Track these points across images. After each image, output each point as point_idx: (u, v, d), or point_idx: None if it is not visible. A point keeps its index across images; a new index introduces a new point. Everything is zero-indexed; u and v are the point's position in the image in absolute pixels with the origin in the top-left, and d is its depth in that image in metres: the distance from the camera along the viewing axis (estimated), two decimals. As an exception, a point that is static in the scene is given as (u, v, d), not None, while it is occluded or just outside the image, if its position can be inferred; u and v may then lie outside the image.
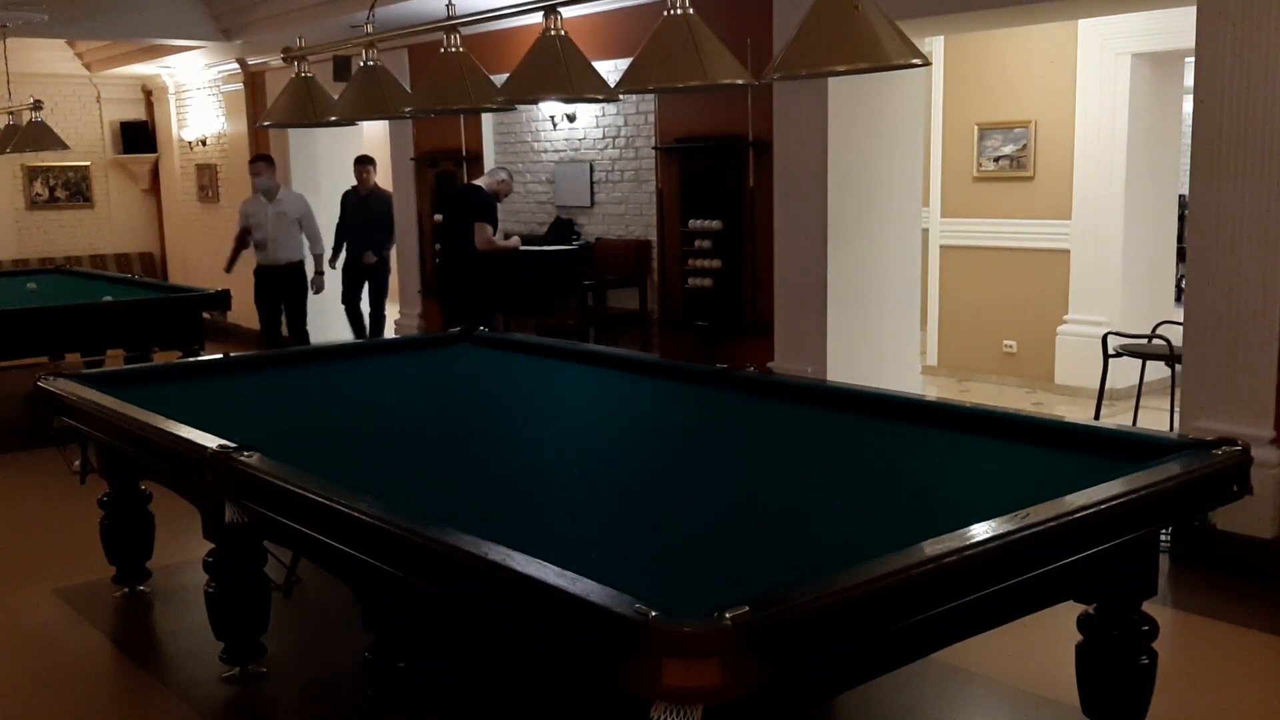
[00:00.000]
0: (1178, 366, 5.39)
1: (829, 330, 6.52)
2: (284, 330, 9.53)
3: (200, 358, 6.38)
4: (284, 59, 4.88)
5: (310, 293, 9.43)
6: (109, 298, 7.85)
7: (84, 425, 4.19)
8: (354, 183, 9.77)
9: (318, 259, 9.41)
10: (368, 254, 9.59)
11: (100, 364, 7.71)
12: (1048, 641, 3.63)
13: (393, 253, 10.07)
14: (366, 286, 9.78)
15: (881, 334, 6.77)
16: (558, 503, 3.04)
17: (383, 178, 11.51)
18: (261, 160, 9.37)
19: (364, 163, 9.72)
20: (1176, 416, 5.30)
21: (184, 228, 13.42)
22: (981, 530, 2.41)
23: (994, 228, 8.57)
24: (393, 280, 10.53)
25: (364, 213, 9.65)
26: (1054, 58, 8.05)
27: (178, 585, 4.66)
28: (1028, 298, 8.44)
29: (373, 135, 12.20)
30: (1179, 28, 6.91)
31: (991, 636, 2.78)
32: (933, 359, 9.01)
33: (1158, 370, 6.69)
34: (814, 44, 2.85)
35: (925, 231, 7.82)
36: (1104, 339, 6.50)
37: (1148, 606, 3.13)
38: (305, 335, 9.44)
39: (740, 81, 3.31)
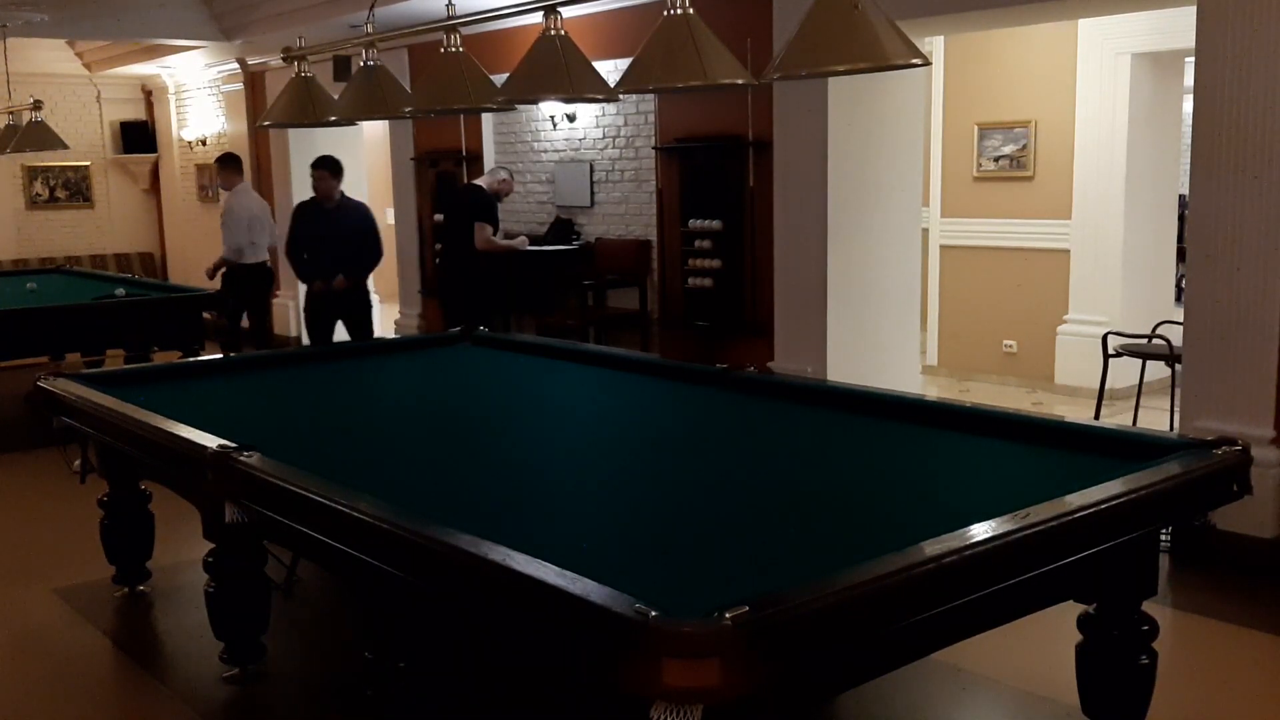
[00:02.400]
0: (1178, 366, 5.39)
1: (829, 330, 6.52)
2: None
3: (200, 358, 6.38)
4: (284, 59, 4.88)
5: (271, 294, 8.61)
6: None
7: (84, 425, 4.19)
8: (337, 191, 7.86)
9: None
10: (338, 278, 7.68)
11: (100, 364, 7.71)
12: (1048, 641, 3.62)
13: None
14: (341, 327, 7.92)
15: (881, 334, 6.77)
16: (557, 503, 3.04)
17: (383, 178, 11.50)
18: (217, 161, 8.98)
19: (325, 167, 7.78)
20: (1176, 416, 5.30)
21: (184, 228, 13.42)
22: (981, 530, 2.41)
23: (994, 228, 8.57)
24: (392, 280, 10.50)
25: (335, 229, 7.78)
26: (1053, 58, 8.06)
27: (178, 585, 4.66)
28: (1028, 298, 8.44)
29: (373, 135, 12.20)
30: (1179, 28, 6.91)
31: (991, 636, 2.78)
32: (933, 359, 9.01)
33: (1158, 370, 6.70)
34: (814, 44, 2.85)
35: (925, 231, 7.82)
36: (1104, 339, 6.50)
37: (1148, 606, 3.13)
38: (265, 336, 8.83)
39: (740, 81, 3.32)
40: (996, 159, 8.46)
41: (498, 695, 2.73)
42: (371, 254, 7.89)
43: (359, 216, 7.93)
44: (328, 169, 7.77)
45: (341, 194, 7.85)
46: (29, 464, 6.64)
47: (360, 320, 7.94)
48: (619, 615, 1.97)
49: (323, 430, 3.97)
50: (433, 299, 9.50)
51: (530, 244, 8.59)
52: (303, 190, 10.48)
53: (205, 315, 7.92)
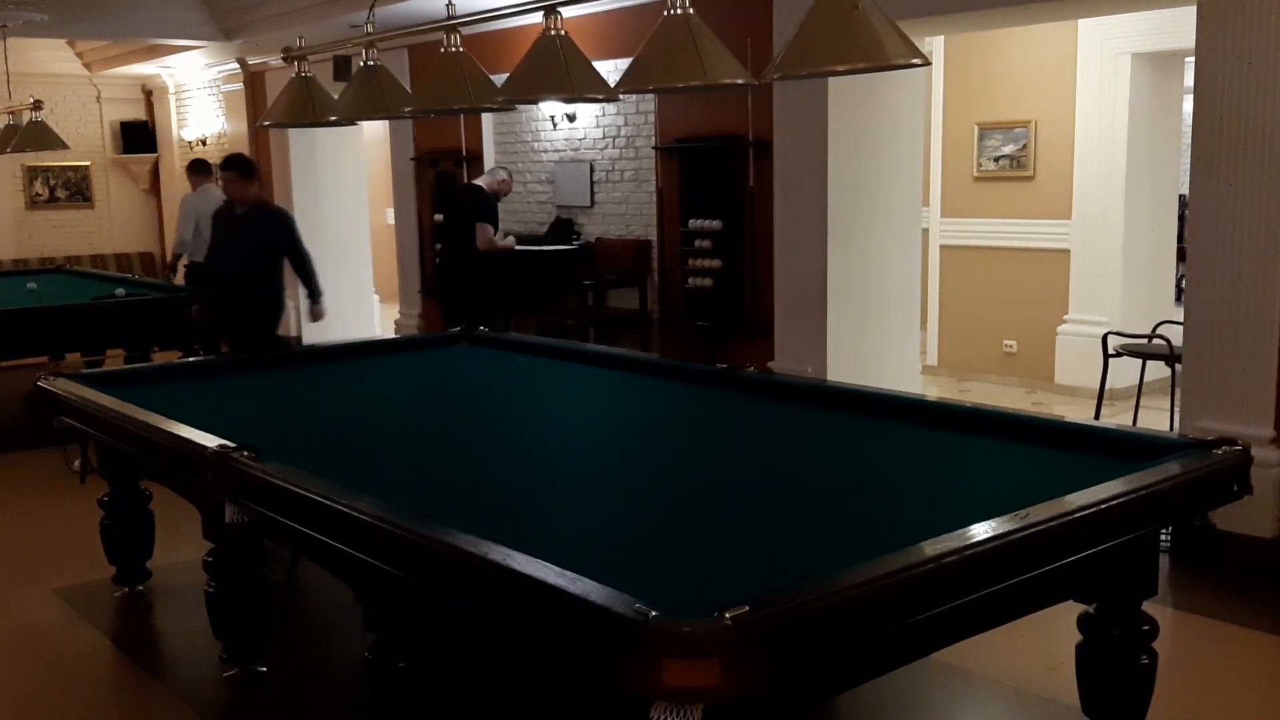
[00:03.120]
0: (1178, 366, 5.39)
1: (829, 330, 6.52)
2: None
3: (200, 358, 6.38)
4: (284, 59, 4.88)
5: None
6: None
7: (84, 425, 4.19)
8: (250, 194, 7.03)
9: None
10: (317, 309, 7.12)
11: (100, 364, 7.71)
12: (1048, 641, 3.62)
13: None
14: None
15: (881, 334, 6.77)
16: (557, 503, 3.04)
17: (383, 178, 11.49)
18: (186, 166, 9.58)
19: (232, 168, 6.99)
20: (1176, 416, 5.30)
21: (184, 228, 13.41)
22: (981, 530, 2.41)
23: (994, 228, 8.57)
24: (392, 280, 10.49)
25: (241, 238, 6.94)
26: (1053, 58, 8.05)
27: (178, 585, 4.65)
28: (1028, 298, 8.44)
29: (373, 135, 12.20)
30: (1179, 28, 6.91)
31: (991, 636, 2.78)
32: (933, 359, 9.01)
33: (1158, 370, 6.69)
34: (814, 44, 2.84)
35: (925, 231, 7.82)
36: (1104, 339, 6.49)
37: (1148, 606, 3.13)
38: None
39: (740, 81, 3.31)
40: (996, 159, 8.46)
41: (498, 695, 2.73)
42: (303, 267, 7.01)
43: (273, 226, 7.02)
44: (235, 170, 6.97)
45: (261, 199, 7.20)
46: (29, 464, 6.64)
47: (262, 331, 7.06)
48: (619, 615, 1.97)
49: (323, 430, 3.97)
50: (433, 299, 9.50)
51: (530, 244, 8.59)
52: (302, 191, 10.50)
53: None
